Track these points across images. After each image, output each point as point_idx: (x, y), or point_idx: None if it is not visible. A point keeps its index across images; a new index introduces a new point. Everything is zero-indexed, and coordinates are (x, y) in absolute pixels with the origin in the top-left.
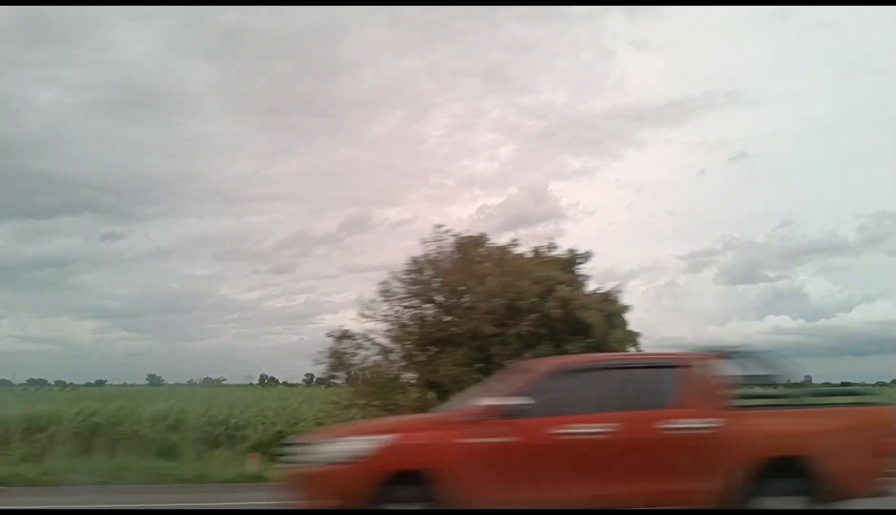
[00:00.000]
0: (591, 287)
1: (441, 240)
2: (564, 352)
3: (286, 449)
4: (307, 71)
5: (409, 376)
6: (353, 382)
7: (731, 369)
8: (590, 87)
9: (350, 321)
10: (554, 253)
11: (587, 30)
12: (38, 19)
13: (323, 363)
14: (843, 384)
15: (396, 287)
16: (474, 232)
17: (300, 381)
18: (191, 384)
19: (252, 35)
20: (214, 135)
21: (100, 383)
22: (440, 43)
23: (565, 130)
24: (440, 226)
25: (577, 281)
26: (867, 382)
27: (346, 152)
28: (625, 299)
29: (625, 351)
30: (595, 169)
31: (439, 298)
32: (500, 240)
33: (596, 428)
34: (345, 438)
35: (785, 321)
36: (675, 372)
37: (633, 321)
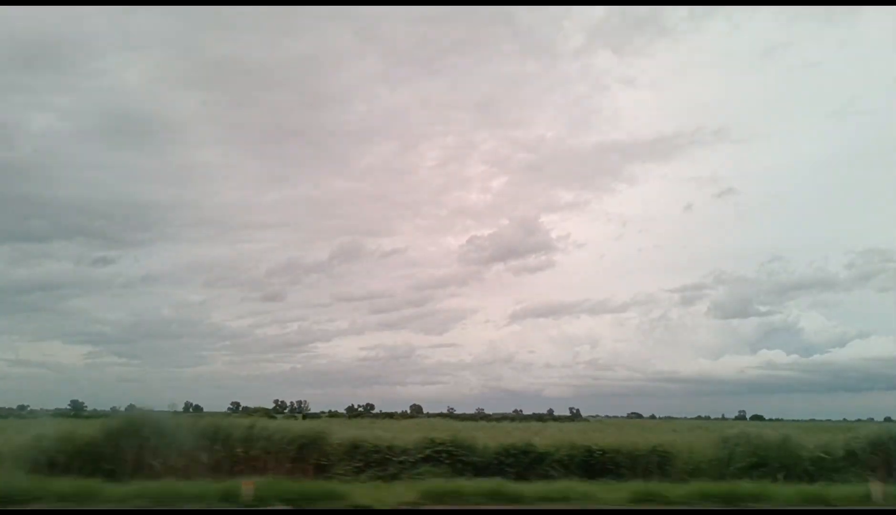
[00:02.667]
0: None
1: None
2: None
3: None
4: (299, 101)
5: None
6: None
7: None
8: (580, 122)
9: None
10: None
11: (576, 66)
12: (32, 46)
13: None
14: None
15: None
16: None
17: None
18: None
19: (243, 65)
20: (206, 163)
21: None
22: (431, 76)
23: (556, 164)
24: None
25: None
26: (864, 418)
27: (338, 182)
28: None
29: None
30: (586, 202)
31: None
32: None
33: None
34: None
35: (778, 356)
36: None
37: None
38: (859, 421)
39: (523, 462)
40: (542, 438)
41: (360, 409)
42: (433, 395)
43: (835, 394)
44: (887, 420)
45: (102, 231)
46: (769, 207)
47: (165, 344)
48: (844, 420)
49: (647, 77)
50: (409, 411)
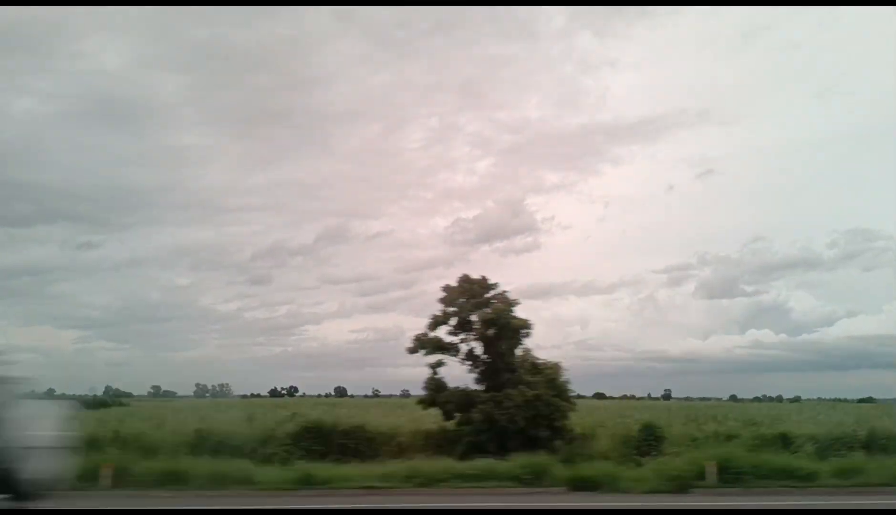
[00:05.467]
0: None
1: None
2: None
3: None
4: (281, 84)
5: None
6: None
7: None
8: (564, 104)
9: None
10: None
11: (558, 48)
12: (9, 29)
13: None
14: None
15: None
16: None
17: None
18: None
19: (224, 48)
20: (190, 146)
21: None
22: (413, 58)
23: (541, 145)
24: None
25: None
26: (850, 398)
27: (322, 164)
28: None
29: None
30: (572, 184)
31: None
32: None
33: None
34: None
35: (766, 335)
36: None
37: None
38: (844, 400)
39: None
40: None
41: (283, 392)
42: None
43: (823, 373)
44: (867, 400)
45: (87, 215)
46: (751, 187)
47: (155, 327)
48: (819, 399)
49: (629, 59)
50: (332, 393)
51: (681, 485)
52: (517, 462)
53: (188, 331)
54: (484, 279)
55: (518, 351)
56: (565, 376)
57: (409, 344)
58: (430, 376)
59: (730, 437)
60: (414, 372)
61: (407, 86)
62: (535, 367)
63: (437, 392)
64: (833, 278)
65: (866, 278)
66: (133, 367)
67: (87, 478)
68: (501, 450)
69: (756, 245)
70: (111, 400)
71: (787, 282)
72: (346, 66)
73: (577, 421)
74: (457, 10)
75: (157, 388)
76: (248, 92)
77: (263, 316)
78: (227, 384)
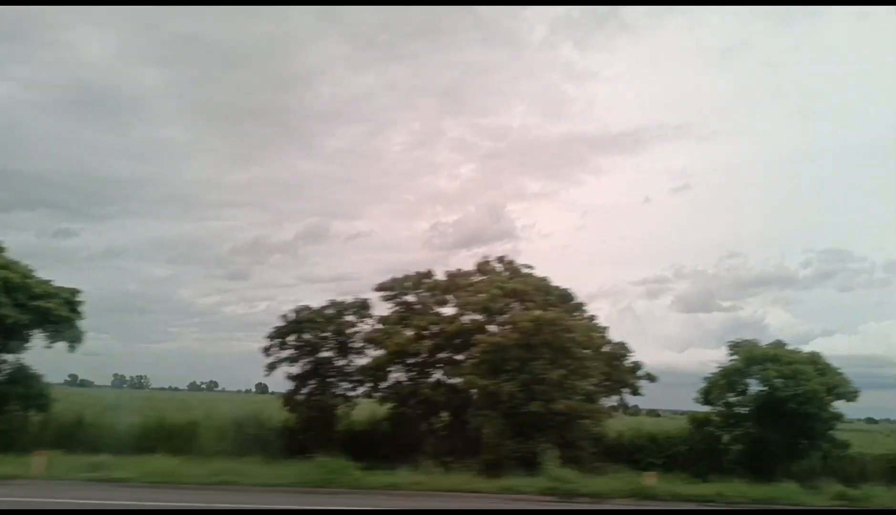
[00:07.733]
0: None
1: None
2: None
3: None
4: (262, 81)
5: None
6: None
7: None
8: (546, 113)
9: None
10: None
11: (540, 57)
12: None
13: None
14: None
15: None
16: None
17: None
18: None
19: (207, 44)
20: (170, 140)
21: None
22: (395, 61)
23: (523, 153)
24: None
25: None
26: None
27: (304, 164)
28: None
29: None
30: (554, 192)
31: None
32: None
33: None
34: None
35: None
36: None
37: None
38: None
39: None
40: None
41: (202, 386)
42: None
43: None
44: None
45: (65, 203)
46: (727, 203)
47: (132, 319)
48: None
49: (610, 71)
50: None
51: None
52: None
53: (166, 324)
54: None
55: None
56: None
57: None
58: None
59: None
60: None
61: (390, 89)
62: None
63: None
64: (808, 296)
65: (842, 298)
66: (105, 357)
67: None
68: None
69: (731, 260)
70: None
71: (762, 299)
72: (330, 67)
73: None
74: (441, 15)
75: (74, 376)
76: (231, 88)
77: (242, 312)
78: (146, 376)
